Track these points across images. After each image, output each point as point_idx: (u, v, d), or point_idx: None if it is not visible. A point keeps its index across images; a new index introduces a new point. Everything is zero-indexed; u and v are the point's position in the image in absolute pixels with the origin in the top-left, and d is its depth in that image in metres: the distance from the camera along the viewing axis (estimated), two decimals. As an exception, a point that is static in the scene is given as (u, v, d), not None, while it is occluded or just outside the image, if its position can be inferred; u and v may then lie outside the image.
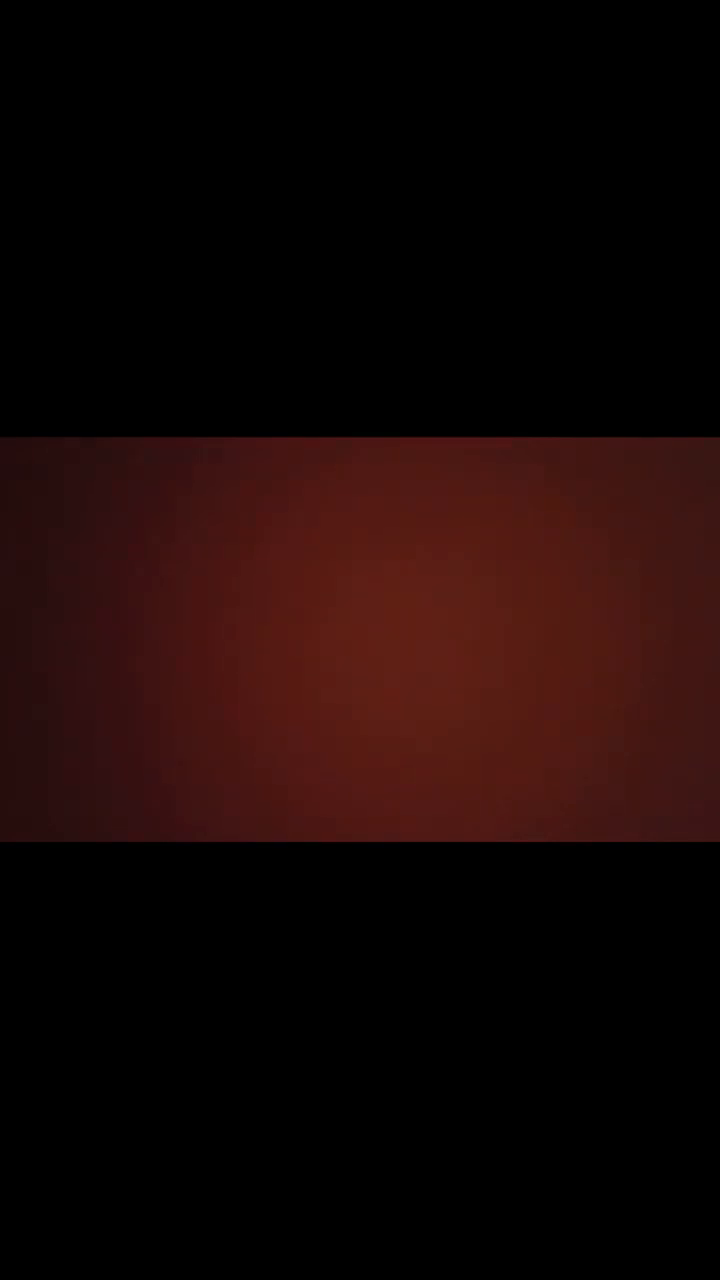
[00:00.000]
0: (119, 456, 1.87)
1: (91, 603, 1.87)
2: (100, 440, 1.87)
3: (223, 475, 1.87)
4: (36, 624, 1.87)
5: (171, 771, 1.86)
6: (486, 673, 1.86)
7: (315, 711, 1.86)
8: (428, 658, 1.86)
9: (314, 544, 1.87)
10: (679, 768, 1.85)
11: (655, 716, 1.85)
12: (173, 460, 1.87)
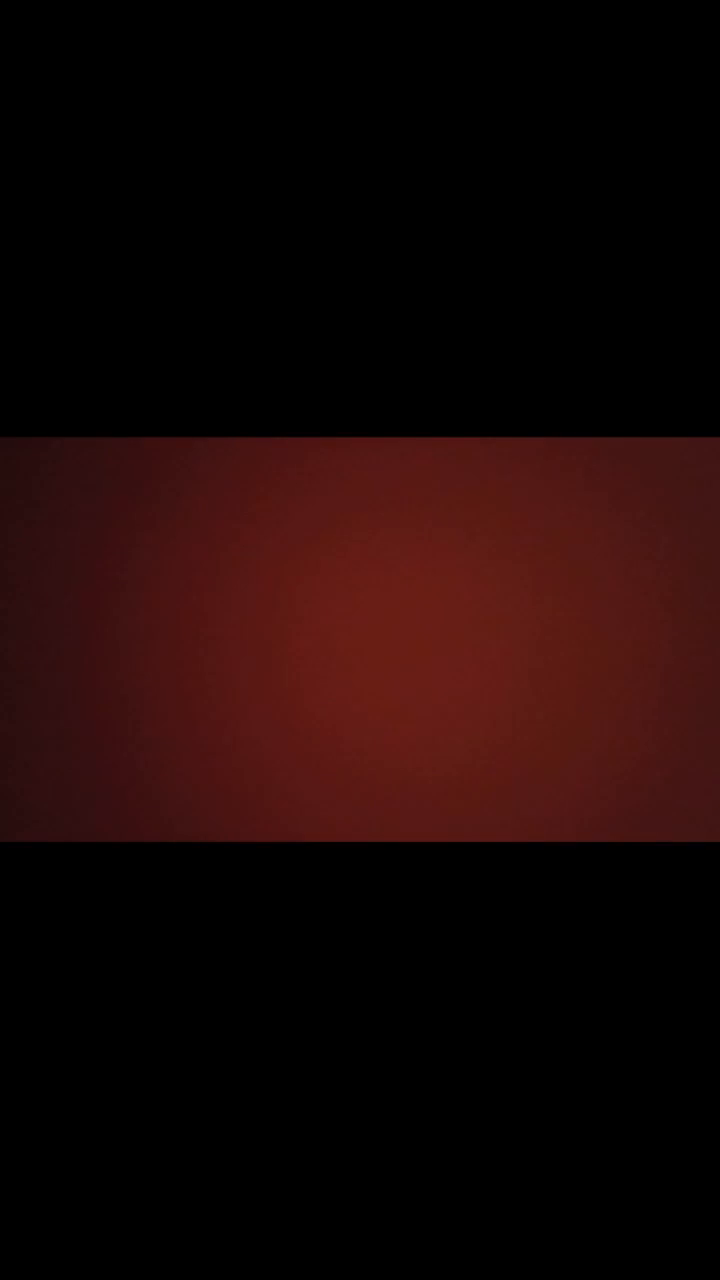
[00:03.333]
0: (119, 456, 1.87)
1: (89, 603, 1.87)
2: (100, 440, 1.87)
3: (221, 475, 1.87)
4: (35, 624, 1.87)
5: (168, 771, 1.86)
6: (486, 673, 1.86)
7: (314, 711, 1.86)
8: (427, 658, 1.86)
9: (313, 543, 1.87)
10: (679, 768, 1.85)
11: (656, 716, 1.85)
12: (173, 460, 1.87)
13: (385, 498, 1.87)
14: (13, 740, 1.87)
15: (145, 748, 1.86)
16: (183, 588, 1.87)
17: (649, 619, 1.86)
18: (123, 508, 1.87)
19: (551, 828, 1.85)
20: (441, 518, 1.87)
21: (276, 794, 1.86)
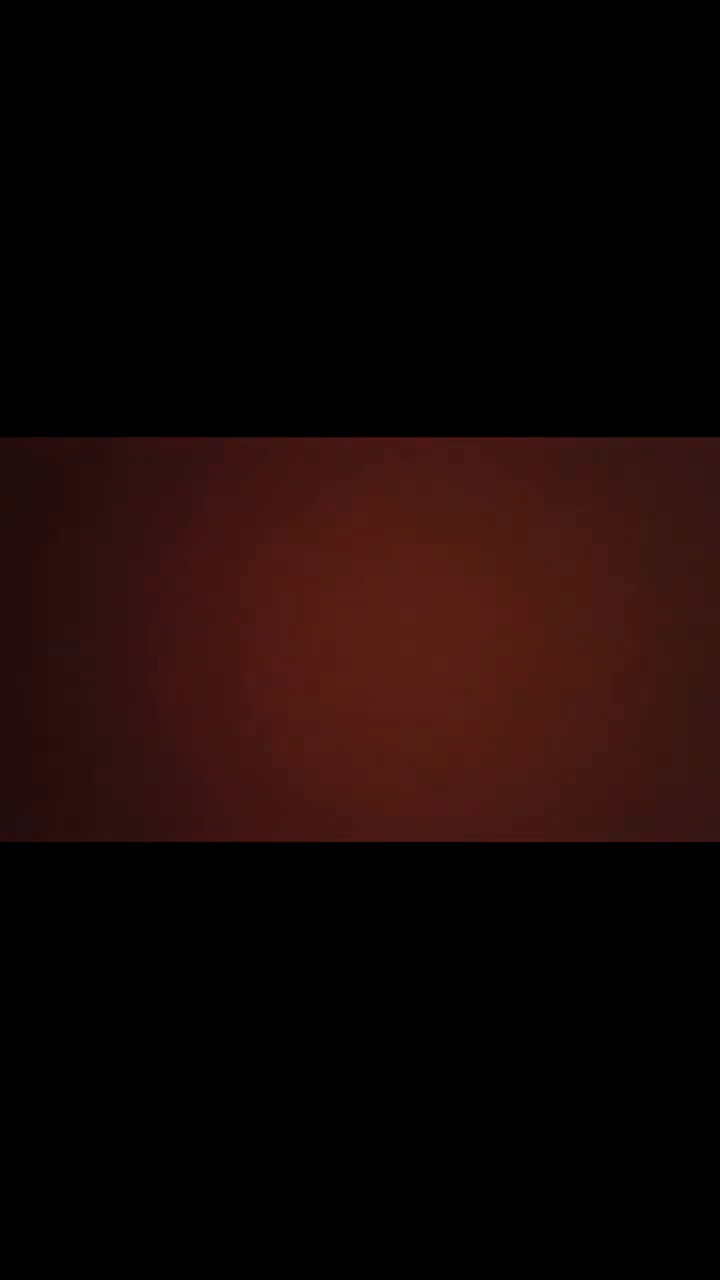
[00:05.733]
0: (119, 456, 1.87)
1: (93, 603, 1.87)
2: (100, 440, 1.87)
3: (223, 475, 1.87)
4: (37, 625, 1.87)
5: (173, 772, 1.86)
6: (486, 673, 1.86)
7: (316, 711, 1.86)
8: (428, 657, 1.86)
9: (314, 543, 1.87)
10: (679, 768, 1.85)
11: (655, 716, 1.85)
12: (173, 460, 1.87)
13: (389, 498, 1.87)
14: (17, 741, 1.87)
15: (147, 748, 1.86)
16: (186, 587, 1.87)
17: (649, 619, 1.86)
18: (128, 508, 1.88)
19: (551, 828, 1.85)
20: (444, 520, 1.87)
21: (279, 794, 1.86)
